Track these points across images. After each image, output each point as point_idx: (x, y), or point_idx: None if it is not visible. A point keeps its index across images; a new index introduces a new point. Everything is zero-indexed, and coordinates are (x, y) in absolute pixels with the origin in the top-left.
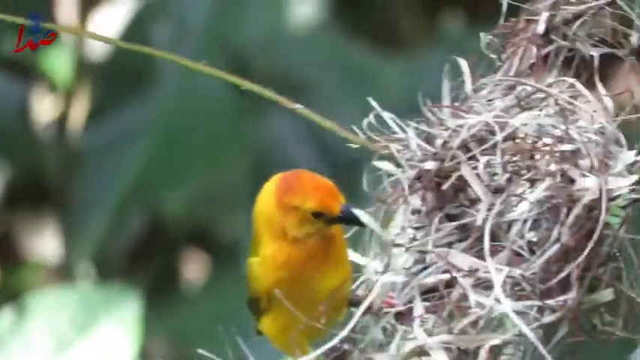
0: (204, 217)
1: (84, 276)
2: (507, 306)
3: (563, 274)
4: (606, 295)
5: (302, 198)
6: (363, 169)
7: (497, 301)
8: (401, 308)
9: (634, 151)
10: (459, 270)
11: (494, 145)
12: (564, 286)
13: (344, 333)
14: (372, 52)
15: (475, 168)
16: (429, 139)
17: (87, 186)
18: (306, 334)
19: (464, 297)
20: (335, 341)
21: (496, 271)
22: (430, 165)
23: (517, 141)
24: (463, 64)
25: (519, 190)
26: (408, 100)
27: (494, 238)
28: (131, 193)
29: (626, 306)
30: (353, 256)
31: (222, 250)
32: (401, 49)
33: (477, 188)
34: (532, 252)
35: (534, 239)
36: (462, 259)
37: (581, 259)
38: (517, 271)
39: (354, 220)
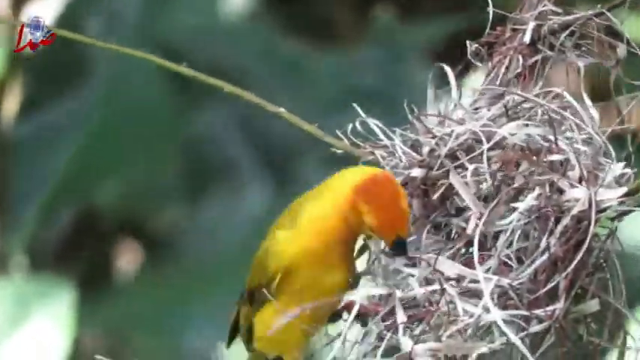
0: (138, 208)
1: (17, 268)
2: (496, 315)
3: (551, 285)
4: (592, 305)
5: (368, 209)
6: (298, 164)
7: (486, 309)
8: (384, 314)
9: (622, 163)
10: (447, 277)
11: (481, 154)
12: (552, 296)
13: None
14: (307, 45)
15: (463, 177)
16: (415, 146)
17: (20, 177)
18: (303, 334)
19: (451, 305)
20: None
21: (484, 279)
22: (417, 172)
23: (505, 150)
24: (449, 72)
25: (507, 200)
26: (342, 93)
27: (481, 247)
28: (64, 184)
29: (612, 316)
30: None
31: (155, 241)
32: (335, 42)
33: (465, 197)
34: (520, 262)
35: (522, 249)
36: (449, 267)
37: (569, 269)
38: (505, 281)
39: (399, 254)
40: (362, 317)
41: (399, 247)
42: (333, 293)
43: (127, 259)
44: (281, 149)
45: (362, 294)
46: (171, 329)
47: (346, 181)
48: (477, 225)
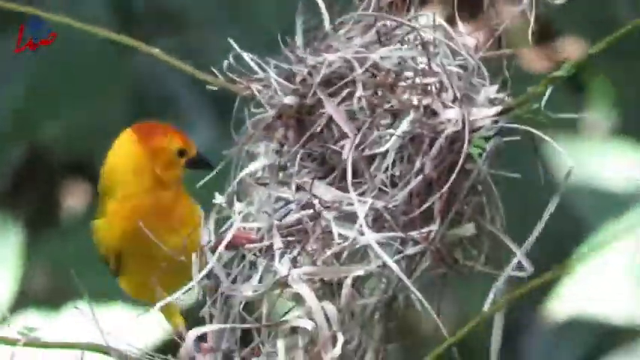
0: (85, 147)
1: None
2: (370, 237)
3: (425, 206)
4: (468, 229)
5: (168, 139)
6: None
7: (361, 232)
8: (262, 244)
9: (496, 85)
10: (322, 202)
11: (354, 81)
12: (427, 218)
13: (202, 274)
14: None
15: (337, 104)
16: (288, 77)
17: None
18: (166, 288)
19: (327, 230)
20: (192, 284)
21: (359, 203)
22: (290, 100)
23: (378, 75)
24: (320, 2)
25: (382, 124)
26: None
27: (357, 173)
28: (10, 124)
29: (487, 241)
30: (217, 198)
31: None
32: None
33: (340, 122)
34: (395, 186)
35: (397, 173)
36: (324, 191)
37: (444, 190)
38: (380, 204)
39: (205, 163)
40: (236, 247)
41: (202, 154)
42: (176, 254)
43: (75, 198)
44: (222, 89)
45: (235, 226)
46: None
47: (126, 152)
48: (350, 149)
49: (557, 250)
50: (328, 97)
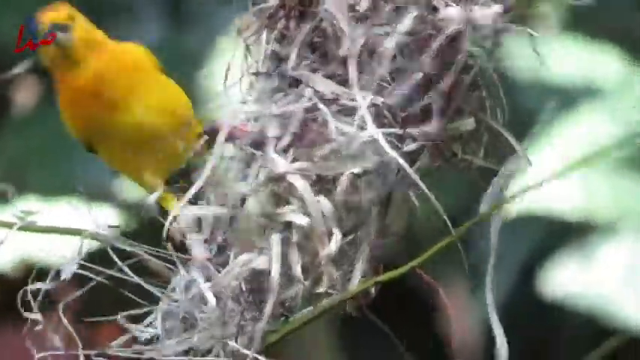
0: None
1: None
2: (373, 130)
3: (424, 103)
4: (468, 123)
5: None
6: None
7: (361, 127)
8: (257, 134)
9: None
10: (321, 96)
11: None
12: (427, 115)
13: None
14: None
15: None
16: None
17: None
18: (156, 169)
19: (325, 124)
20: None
21: (361, 97)
22: None
23: None
24: None
25: (383, 21)
26: None
27: (357, 68)
28: None
29: (487, 135)
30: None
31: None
32: None
33: (339, 17)
34: (395, 82)
35: (397, 69)
36: (324, 84)
37: (443, 87)
38: (380, 99)
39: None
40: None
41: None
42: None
43: (25, 92)
44: None
45: (230, 115)
46: (69, 162)
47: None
48: (351, 44)
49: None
50: None
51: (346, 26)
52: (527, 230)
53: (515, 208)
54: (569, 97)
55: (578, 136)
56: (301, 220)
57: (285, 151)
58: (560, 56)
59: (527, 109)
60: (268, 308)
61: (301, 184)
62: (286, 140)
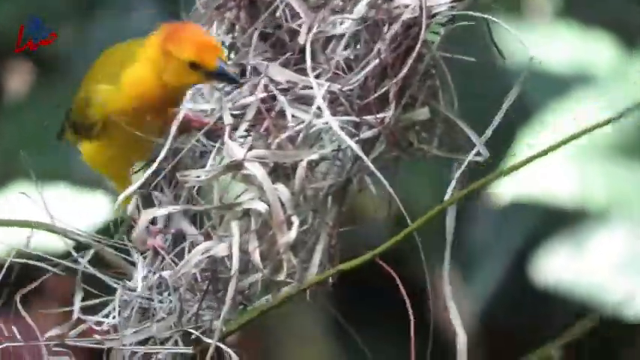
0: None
1: None
2: (329, 118)
3: (381, 91)
4: (422, 113)
5: (180, 47)
6: None
7: (318, 115)
8: (213, 125)
9: None
10: (277, 85)
11: None
12: (382, 103)
13: (161, 155)
14: None
15: None
16: None
17: None
18: (129, 164)
19: (282, 113)
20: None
21: (317, 85)
22: None
23: None
24: None
25: (338, 8)
26: None
27: (312, 57)
28: None
29: (442, 125)
30: None
31: (46, 61)
32: None
33: (296, 5)
34: (351, 70)
35: (352, 57)
36: (280, 73)
37: (400, 76)
38: (336, 86)
39: (228, 78)
40: (188, 131)
41: (223, 69)
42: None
43: (18, 79)
44: None
45: (188, 107)
46: (61, 148)
47: (152, 43)
48: (308, 32)
49: (503, 132)
50: None
51: (304, 13)
52: (521, 217)
53: (508, 195)
54: (562, 84)
55: (571, 122)
56: (260, 207)
57: (241, 139)
58: (553, 43)
59: (520, 96)
60: (229, 295)
61: (259, 172)
62: (242, 129)
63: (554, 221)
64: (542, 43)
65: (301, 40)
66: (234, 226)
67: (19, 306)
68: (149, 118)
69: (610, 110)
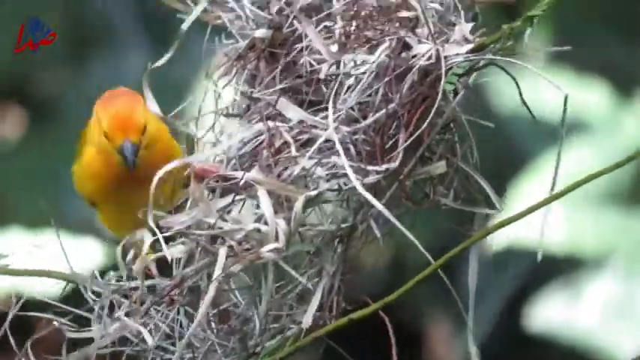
0: (20, 73)
1: None
2: (344, 161)
3: (392, 140)
4: (439, 167)
5: (102, 115)
6: (176, 26)
7: (327, 156)
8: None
9: (472, 23)
10: (287, 121)
11: (329, 14)
12: (393, 151)
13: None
14: None
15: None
16: (262, 7)
17: None
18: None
19: (287, 147)
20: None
21: (333, 126)
22: (261, 33)
23: (354, 8)
24: None
25: (356, 56)
26: None
27: (325, 98)
28: None
29: (458, 178)
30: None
31: (39, 106)
32: None
33: (319, 46)
34: (364, 117)
35: (365, 102)
36: (292, 110)
37: (412, 125)
38: (346, 129)
39: (124, 157)
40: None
41: (121, 151)
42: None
43: (10, 124)
44: (159, 10)
45: (199, 158)
46: (54, 193)
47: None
48: (329, 73)
49: (495, 178)
50: (309, 21)
51: (325, 54)
52: (514, 264)
53: (502, 242)
54: (555, 131)
55: (566, 170)
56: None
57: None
58: (547, 90)
59: (516, 144)
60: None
61: (263, 196)
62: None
63: (547, 268)
64: (535, 89)
65: (321, 76)
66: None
67: (30, 353)
68: (127, 189)
69: (603, 157)
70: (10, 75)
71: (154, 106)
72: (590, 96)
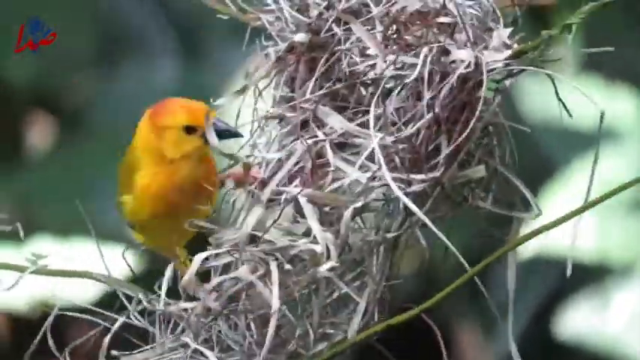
0: (50, 82)
1: None
2: (385, 173)
3: (432, 145)
4: (478, 171)
5: (172, 116)
6: (206, 34)
7: (371, 167)
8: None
9: (510, 28)
10: (328, 131)
11: (369, 18)
12: (435, 157)
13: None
14: None
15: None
16: (302, 10)
17: None
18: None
19: (332, 164)
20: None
21: (371, 136)
22: (300, 37)
23: (393, 12)
24: None
25: (404, 57)
26: None
27: (365, 103)
28: None
29: (497, 182)
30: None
31: (68, 114)
32: None
33: (370, 43)
34: (404, 124)
35: (405, 108)
36: (332, 119)
37: (454, 131)
38: (389, 139)
39: (227, 132)
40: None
41: (219, 124)
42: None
43: (41, 133)
44: (189, 19)
45: (239, 167)
46: (85, 203)
47: (141, 130)
48: (384, 66)
49: (525, 184)
50: (355, 20)
51: (377, 50)
52: (543, 272)
53: (531, 250)
54: (587, 140)
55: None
56: (316, 248)
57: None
58: (577, 99)
59: (545, 152)
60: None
61: (309, 212)
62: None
63: (575, 275)
64: (565, 98)
65: (376, 73)
66: (274, 269)
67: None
68: (179, 208)
69: (632, 166)
70: (41, 84)
71: (213, 139)
72: (619, 105)
